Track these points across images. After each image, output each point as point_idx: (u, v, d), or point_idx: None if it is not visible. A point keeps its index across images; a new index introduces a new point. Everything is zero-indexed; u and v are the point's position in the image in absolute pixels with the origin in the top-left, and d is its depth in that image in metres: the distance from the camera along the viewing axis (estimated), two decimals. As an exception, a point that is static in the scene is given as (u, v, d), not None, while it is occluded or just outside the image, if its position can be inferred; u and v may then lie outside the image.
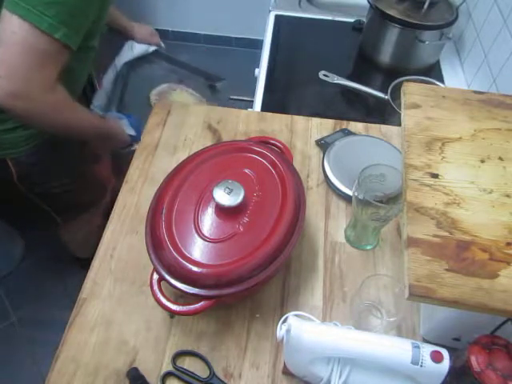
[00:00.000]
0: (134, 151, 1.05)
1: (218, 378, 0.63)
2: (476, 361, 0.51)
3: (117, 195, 0.84)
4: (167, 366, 0.64)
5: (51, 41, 0.80)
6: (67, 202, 1.18)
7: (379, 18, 1.19)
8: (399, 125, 0.65)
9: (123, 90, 1.38)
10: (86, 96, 1.37)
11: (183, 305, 0.61)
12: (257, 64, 1.30)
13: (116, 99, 1.36)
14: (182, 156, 0.82)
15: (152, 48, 1.42)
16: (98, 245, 0.77)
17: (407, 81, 0.73)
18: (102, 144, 1.14)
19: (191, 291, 0.61)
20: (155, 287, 0.63)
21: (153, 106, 1.37)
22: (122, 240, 0.77)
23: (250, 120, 0.98)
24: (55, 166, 1.07)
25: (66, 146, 1.06)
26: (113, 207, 0.82)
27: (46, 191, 1.11)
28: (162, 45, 1.46)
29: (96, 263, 0.75)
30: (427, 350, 0.52)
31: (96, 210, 1.31)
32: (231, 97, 1.83)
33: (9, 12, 0.77)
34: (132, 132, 1.17)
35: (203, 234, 0.64)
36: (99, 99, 1.34)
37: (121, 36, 1.35)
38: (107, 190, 1.33)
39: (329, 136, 0.94)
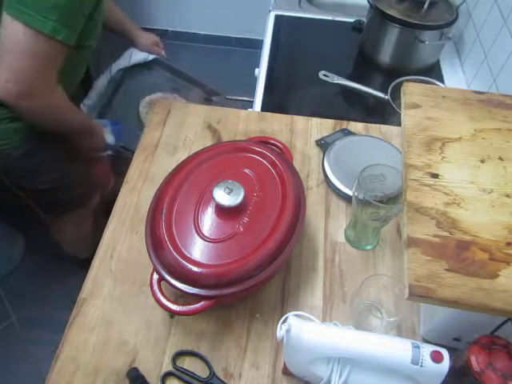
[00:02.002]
0: (106, 156, 1.09)
1: (218, 378, 0.63)
2: (476, 361, 0.51)
3: (117, 195, 0.84)
4: (167, 366, 0.64)
5: (54, 43, 0.83)
6: (53, 198, 1.18)
7: (379, 18, 1.19)
8: (399, 125, 0.65)
9: (113, 95, 1.39)
10: (83, 94, 1.38)
11: (183, 305, 0.61)
12: (257, 64, 1.30)
13: (104, 102, 1.37)
14: (182, 156, 0.82)
15: (152, 56, 1.43)
16: (96, 245, 0.77)
17: (407, 81, 0.73)
18: (79, 141, 1.14)
19: (191, 291, 0.61)
20: (155, 287, 0.63)
21: (140, 113, 1.40)
22: (122, 240, 0.77)
23: (249, 120, 0.98)
24: (42, 161, 1.07)
25: (54, 140, 1.06)
26: (113, 207, 0.82)
27: (33, 186, 1.10)
28: (164, 54, 1.47)
29: (96, 263, 0.75)
30: (427, 349, 0.52)
31: (86, 210, 1.30)
32: (230, 97, 1.83)
33: (11, 18, 0.79)
34: (111, 140, 1.20)
35: (203, 234, 0.64)
36: (90, 99, 1.36)
37: (124, 40, 1.36)
38: (96, 191, 1.32)
39: (329, 136, 0.94)
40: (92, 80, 1.44)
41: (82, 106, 1.34)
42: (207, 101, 1.53)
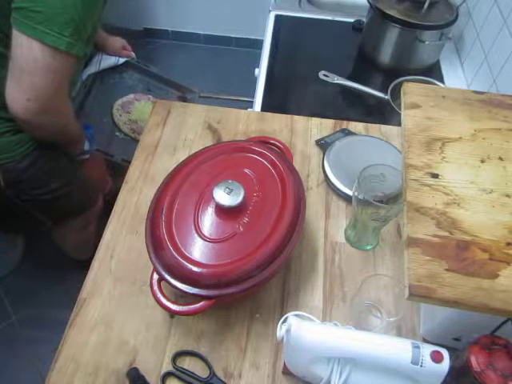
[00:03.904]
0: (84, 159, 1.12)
1: (218, 378, 0.63)
2: (476, 361, 0.51)
3: (117, 195, 0.84)
4: (167, 366, 0.64)
5: (70, 58, 0.84)
6: (56, 207, 1.17)
7: (379, 18, 1.19)
8: (399, 125, 0.65)
9: (84, 99, 1.39)
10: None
11: (183, 305, 0.61)
12: (257, 64, 1.30)
13: (75, 107, 1.37)
14: (182, 156, 0.82)
15: (122, 60, 1.44)
16: (97, 245, 0.77)
17: (407, 81, 0.73)
18: (67, 148, 1.14)
19: (191, 291, 0.61)
20: (155, 287, 0.63)
21: (114, 116, 1.41)
22: (122, 240, 0.77)
23: (250, 120, 0.98)
24: (44, 172, 1.06)
25: (53, 152, 1.06)
26: (113, 207, 0.82)
27: (35, 198, 1.09)
28: (134, 55, 1.48)
29: (96, 263, 0.75)
30: (427, 350, 0.52)
31: (88, 215, 1.30)
32: (231, 97, 1.83)
33: (26, 36, 0.79)
34: (85, 145, 1.20)
35: (203, 234, 0.64)
36: None
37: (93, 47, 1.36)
38: (99, 196, 1.32)
39: (329, 136, 0.94)
40: None
41: None
42: (181, 99, 1.54)
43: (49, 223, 1.25)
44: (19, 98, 0.84)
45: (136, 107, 1.45)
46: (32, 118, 0.88)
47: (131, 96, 1.46)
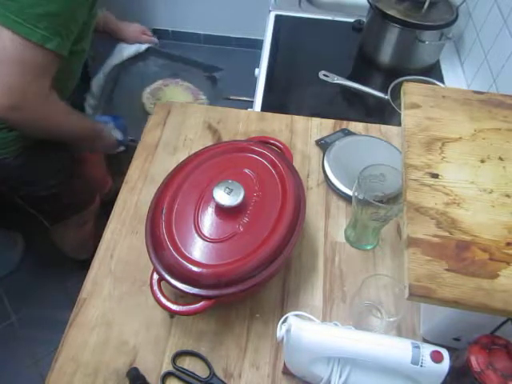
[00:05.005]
0: (125, 151, 1.06)
1: (218, 378, 0.63)
2: (476, 361, 0.51)
3: (117, 195, 0.84)
4: (167, 366, 0.64)
5: (44, 52, 0.80)
6: (54, 205, 1.16)
7: (379, 18, 1.19)
8: (399, 125, 0.65)
9: (112, 91, 1.38)
10: (82, 97, 1.37)
11: (183, 305, 0.61)
12: (257, 64, 1.30)
13: (103, 101, 1.36)
14: (182, 156, 0.82)
15: (144, 46, 1.41)
16: (96, 245, 0.77)
17: (407, 81, 0.73)
18: (90, 145, 1.13)
19: (191, 291, 0.61)
20: (155, 287, 0.63)
21: (145, 104, 1.38)
22: (122, 240, 0.77)
23: (250, 120, 0.98)
24: (42, 169, 1.06)
25: (52, 148, 1.05)
26: (113, 207, 0.82)
27: (33, 194, 1.09)
28: (156, 41, 1.44)
29: (96, 263, 0.75)
30: (427, 350, 0.52)
31: (86, 213, 1.29)
32: (231, 97, 1.82)
33: (0, 26, 0.75)
34: (118, 135, 1.18)
35: (203, 234, 0.64)
36: (89, 101, 1.35)
37: (112, 38, 1.35)
38: (96, 195, 1.31)
39: (329, 136, 0.94)
40: (90, 82, 1.44)
41: (86, 107, 1.33)
42: (210, 79, 1.48)
43: (46, 220, 1.26)
44: None
45: (166, 93, 1.42)
46: (5, 114, 0.83)
47: (159, 82, 1.42)
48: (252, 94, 1.19)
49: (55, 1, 0.76)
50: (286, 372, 0.63)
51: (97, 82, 1.36)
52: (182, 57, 1.49)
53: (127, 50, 1.38)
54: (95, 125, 1.12)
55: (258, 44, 1.78)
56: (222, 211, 0.66)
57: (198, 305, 0.61)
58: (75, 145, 1.11)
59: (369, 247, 0.78)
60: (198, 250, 0.63)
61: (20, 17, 0.75)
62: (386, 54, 1.26)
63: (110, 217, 0.81)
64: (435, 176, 0.57)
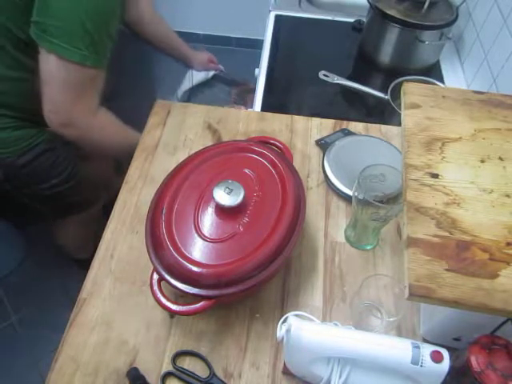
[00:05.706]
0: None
1: (218, 378, 0.63)
2: (476, 361, 0.51)
3: (117, 195, 0.84)
4: (167, 366, 0.64)
5: (85, 70, 0.84)
6: (58, 203, 1.17)
7: (379, 17, 1.19)
8: (399, 125, 0.65)
9: None
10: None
11: (183, 305, 0.61)
12: (257, 64, 1.30)
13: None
14: (182, 156, 0.82)
15: (211, 73, 1.47)
16: (96, 245, 0.77)
17: (407, 81, 0.73)
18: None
19: (191, 291, 0.61)
20: (155, 287, 0.63)
21: None
22: (122, 240, 0.77)
23: (250, 120, 0.98)
24: (46, 168, 1.07)
25: (56, 147, 1.06)
26: (113, 207, 0.82)
27: (37, 192, 1.10)
28: (222, 68, 1.51)
29: (96, 263, 0.75)
30: (427, 350, 0.52)
31: (90, 212, 1.29)
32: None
33: (45, 51, 0.80)
34: None
35: (203, 234, 0.64)
36: None
37: (181, 64, 1.43)
38: (101, 194, 1.32)
39: (329, 136, 0.94)
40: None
41: None
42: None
43: (50, 218, 1.26)
44: (45, 109, 0.86)
45: None
46: (59, 130, 0.90)
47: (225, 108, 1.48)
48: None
49: (91, 20, 0.79)
50: (286, 372, 0.63)
51: None
52: (241, 81, 1.55)
53: (197, 77, 1.46)
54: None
55: (258, 44, 1.78)
56: (222, 211, 0.66)
57: (197, 305, 0.61)
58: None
59: (369, 247, 0.78)
60: (198, 250, 0.63)
61: (63, 41, 0.79)
62: (386, 54, 1.26)
63: (110, 217, 0.81)
64: (435, 176, 0.57)
